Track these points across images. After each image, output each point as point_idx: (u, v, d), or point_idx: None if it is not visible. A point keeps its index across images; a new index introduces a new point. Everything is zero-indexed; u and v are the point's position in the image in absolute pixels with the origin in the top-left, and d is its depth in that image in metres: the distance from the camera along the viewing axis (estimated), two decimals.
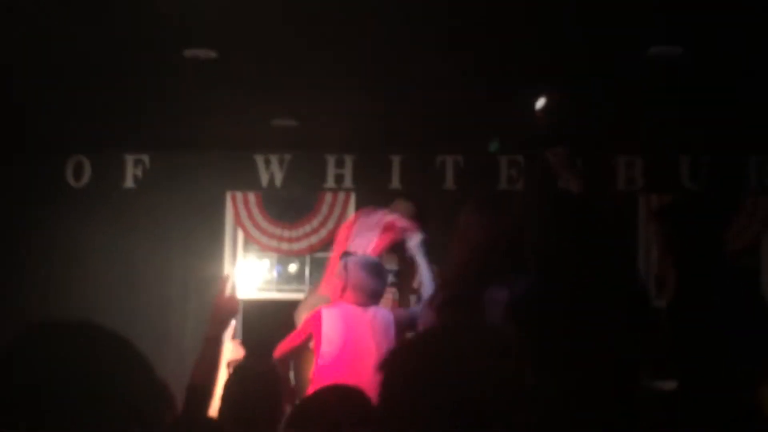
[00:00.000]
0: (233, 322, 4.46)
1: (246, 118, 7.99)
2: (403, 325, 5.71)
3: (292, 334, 5.81)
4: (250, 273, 9.14)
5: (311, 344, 5.66)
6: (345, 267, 5.74)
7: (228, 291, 4.15)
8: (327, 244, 9.02)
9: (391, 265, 6.45)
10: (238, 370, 4.56)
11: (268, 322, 8.52)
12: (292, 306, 6.50)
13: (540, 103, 7.08)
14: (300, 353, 5.80)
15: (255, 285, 9.15)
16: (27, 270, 9.08)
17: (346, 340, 5.59)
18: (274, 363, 5.39)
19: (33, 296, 8.93)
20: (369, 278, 5.71)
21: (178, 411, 3.82)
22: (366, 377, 5.52)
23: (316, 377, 5.52)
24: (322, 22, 5.80)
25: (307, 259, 9.23)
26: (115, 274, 9.01)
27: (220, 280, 4.35)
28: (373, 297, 5.74)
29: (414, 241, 6.08)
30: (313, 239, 9.00)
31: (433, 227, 6.66)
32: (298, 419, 3.32)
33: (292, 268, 9.31)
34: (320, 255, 9.17)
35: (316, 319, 5.66)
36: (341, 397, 3.42)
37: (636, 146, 8.52)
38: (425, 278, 5.97)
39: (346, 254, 5.89)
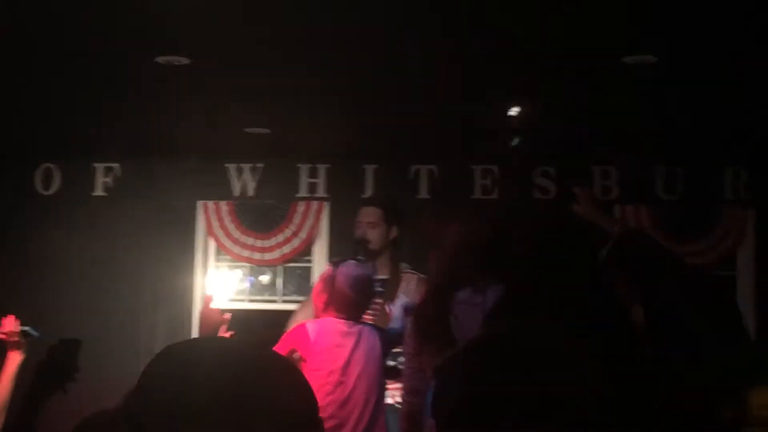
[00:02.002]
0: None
1: (219, 125, 7.92)
2: (389, 343, 5.67)
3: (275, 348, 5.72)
4: (222, 283, 9.06)
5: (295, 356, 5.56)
6: (332, 278, 5.64)
7: (212, 304, 4.40)
8: (300, 254, 8.98)
9: (381, 274, 6.41)
10: None
11: (240, 334, 8.42)
12: (264, 316, 6.44)
13: (514, 111, 7.08)
14: None
15: (227, 295, 9.07)
16: (2, 274, 8.99)
17: (334, 356, 5.52)
18: None
19: (6, 301, 8.82)
20: (356, 295, 5.62)
21: None
22: (353, 395, 5.50)
23: None
24: (295, 31, 5.75)
25: (280, 270, 9.17)
26: (86, 282, 8.93)
27: (205, 297, 4.53)
28: (359, 312, 5.67)
29: (397, 305, 5.97)
30: (286, 249, 8.94)
31: (408, 236, 6.64)
32: None
33: (264, 278, 9.24)
34: (292, 265, 9.12)
35: (302, 333, 5.58)
36: None
37: (612, 156, 8.51)
38: (395, 322, 5.88)
39: (336, 262, 5.80)
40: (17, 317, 5.03)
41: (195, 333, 8.40)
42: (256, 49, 6.06)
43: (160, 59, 6.20)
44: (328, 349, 5.52)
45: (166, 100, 7.25)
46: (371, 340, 5.59)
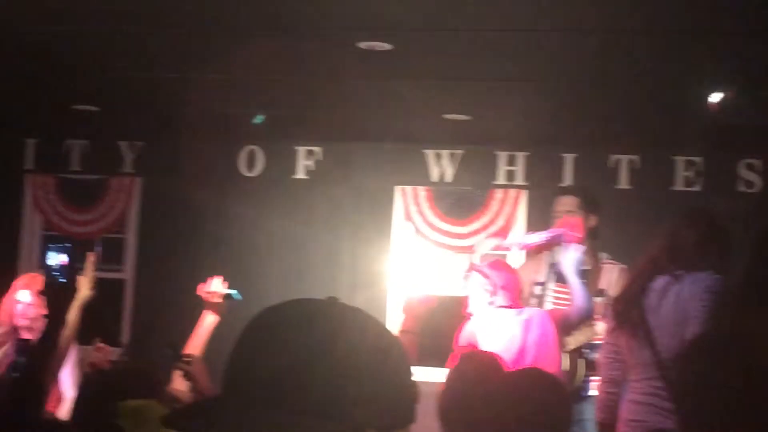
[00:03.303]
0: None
1: (418, 111, 7.96)
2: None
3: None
4: (418, 268, 9.10)
5: None
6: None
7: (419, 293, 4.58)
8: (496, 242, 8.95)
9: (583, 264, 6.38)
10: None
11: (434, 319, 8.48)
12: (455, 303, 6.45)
13: (715, 98, 6.88)
14: None
15: (420, 280, 9.11)
16: (200, 255, 9.24)
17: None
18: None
19: (204, 275, 9.09)
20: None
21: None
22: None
23: None
24: (499, 18, 5.73)
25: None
26: (284, 263, 9.10)
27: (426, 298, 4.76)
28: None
29: (568, 256, 5.97)
30: (482, 236, 8.91)
31: (607, 226, 6.55)
32: None
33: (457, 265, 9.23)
34: (490, 252, 9.09)
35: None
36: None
37: None
38: (576, 292, 5.90)
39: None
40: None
41: (391, 316, 8.47)
42: (457, 35, 6.06)
43: (363, 44, 6.26)
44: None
45: (367, 86, 7.32)
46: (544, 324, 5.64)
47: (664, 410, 4.84)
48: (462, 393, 3.64)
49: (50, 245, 4.09)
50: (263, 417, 1.44)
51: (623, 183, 8.73)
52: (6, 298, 6.01)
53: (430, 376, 5.70)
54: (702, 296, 4.82)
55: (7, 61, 7.00)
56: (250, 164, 9.39)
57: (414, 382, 1.57)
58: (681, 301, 4.86)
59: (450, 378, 4.03)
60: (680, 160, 8.62)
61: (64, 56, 6.87)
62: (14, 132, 9.47)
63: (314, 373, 1.45)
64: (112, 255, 9.60)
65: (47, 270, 4.08)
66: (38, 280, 6.11)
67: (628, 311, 4.98)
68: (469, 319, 5.86)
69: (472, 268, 5.92)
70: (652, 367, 4.94)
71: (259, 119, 8.47)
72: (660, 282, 4.90)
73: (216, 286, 5.02)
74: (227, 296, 5.01)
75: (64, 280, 3.98)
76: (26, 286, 5.98)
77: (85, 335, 5.65)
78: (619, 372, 5.12)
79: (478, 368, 3.86)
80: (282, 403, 1.44)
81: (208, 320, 4.92)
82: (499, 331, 5.61)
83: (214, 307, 4.96)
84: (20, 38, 6.43)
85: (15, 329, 5.97)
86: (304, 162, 9.33)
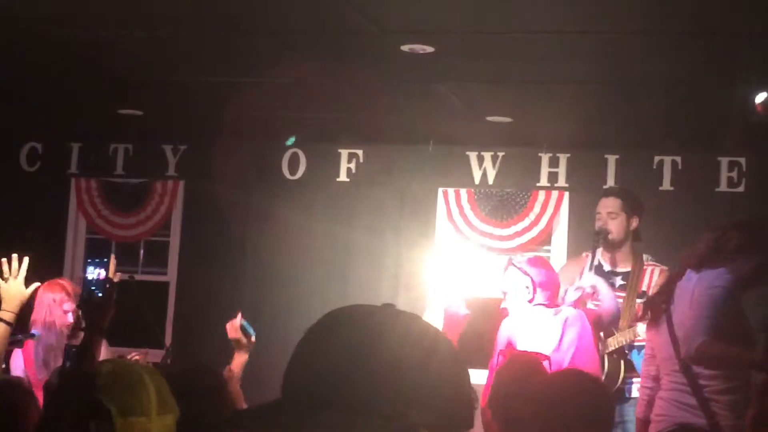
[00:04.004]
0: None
1: (460, 113, 7.96)
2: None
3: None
4: (461, 270, 9.09)
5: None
6: None
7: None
8: (538, 244, 8.94)
9: (622, 266, 6.38)
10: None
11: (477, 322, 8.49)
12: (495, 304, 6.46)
13: (760, 98, 6.84)
14: None
15: (463, 283, 9.10)
16: (243, 258, 9.29)
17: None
18: None
19: (249, 282, 9.15)
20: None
21: None
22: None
23: None
24: (541, 20, 5.72)
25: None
26: (326, 265, 9.12)
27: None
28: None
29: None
30: (525, 238, 8.89)
31: (649, 227, 6.53)
32: None
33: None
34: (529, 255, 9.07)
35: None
36: None
37: None
38: (605, 294, 5.99)
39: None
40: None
41: (432, 318, 8.46)
42: (499, 37, 6.06)
43: (405, 47, 6.27)
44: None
45: (409, 88, 7.33)
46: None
47: (686, 405, 4.89)
48: (505, 393, 3.66)
49: (89, 260, 4.14)
50: (320, 417, 1.47)
51: (666, 184, 8.68)
52: (50, 305, 6.12)
53: (473, 378, 5.71)
54: (709, 291, 4.91)
55: (53, 66, 7.07)
56: (293, 167, 9.42)
57: (470, 386, 1.60)
58: (695, 297, 4.96)
59: (494, 378, 4.06)
60: (724, 160, 8.56)
61: (108, 61, 6.93)
62: (60, 136, 9.56)
63: (368, 373, 1.48)
64: (155, 258, 9.68)
65: (87, 284, 4.13)
66: (71, 287, 6.25)
67: (656, 307, 5.09)
68: (506, 315, 5.86)
69: (511, 264, 5.91)
70: (675, 362, 4.99)
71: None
72: (685, 279, 5.04)
73: (237, 320, 4.92)
74: (242, 329, 4.90)
75: (101, 294, 4.02)
76: (67, 295, 6.12)
77: (130, 338, 5.71)
78: (653, 368, 5.18)
79: (522, 369, 3.88)
80: (338, 404, 1.48)
81: (236, 360, 4.84)
82: (536, 330, 5.61)
83: (239, 345, 4.87)
84: (65, 44, 6.50)
85: (62, 335, 6.07)
86: (346, 165, 9.35)
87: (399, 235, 9.05)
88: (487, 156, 9.09)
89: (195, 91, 7.68)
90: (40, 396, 4.24)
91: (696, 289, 4.98)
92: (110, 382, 2.53)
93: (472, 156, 9.12)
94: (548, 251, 8.99)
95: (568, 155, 8.92)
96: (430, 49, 6.29)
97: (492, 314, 6.41)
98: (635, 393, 5.83)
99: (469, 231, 9.02)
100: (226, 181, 9.22)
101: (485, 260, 9.14)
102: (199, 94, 7.77)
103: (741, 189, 8.50)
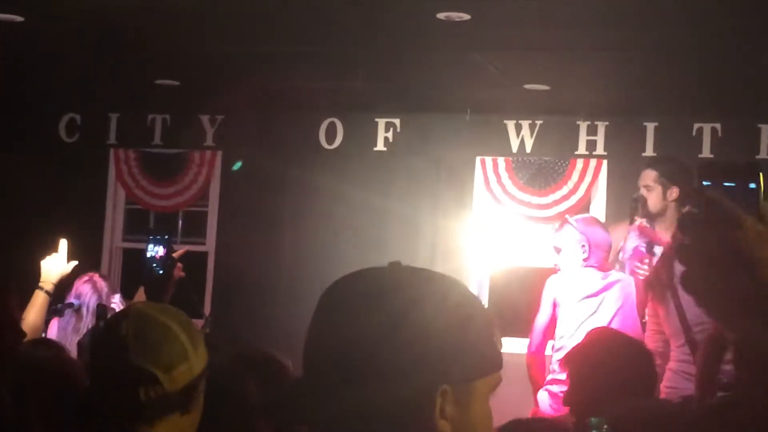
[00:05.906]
0: None
1: (497, 82, 7.92)
2: None
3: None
4: (499, 239, 9.09)
5: None
6: None
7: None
8: (576, 212, 8.90)
9: (664, 237, 6.35)
10: None
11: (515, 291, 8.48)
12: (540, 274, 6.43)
13: None
14: None
15: (501, 252, 9.09)
16: (280, 227, 9.31)
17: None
18: None
19: (286, 252, 9.19)
20: None
21: None
22: None
23: None
24: None
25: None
26: (364, 233, 9.12)
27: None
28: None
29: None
30: (563, 206, 8.86)
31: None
32: None
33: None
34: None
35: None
36: None
37: None
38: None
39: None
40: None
41: (471, 287, 8.46)
42: (536, 4, 6.01)
43: (441, 15, 6.24)
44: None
45: (445, 56, 7.30)
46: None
47: (692, 376, 4.86)
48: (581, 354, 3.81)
49: (150, 237, 4.15)
50: (339, 394, 1.47)
51: (706, 151, 8.62)
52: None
53: (510, 347, 5.70)
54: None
55: (91, 37, 7.09)
56: (330, 137, 9.42)
57: (492, 322, 1.60)
58: None
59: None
60: (764, 127, 8.49)
61: (146, 31, 6.94)
62: (98, 107, 9.60)
63: (406, 339, 1.49)
64: (194, 228, 9.72)
65: (147, 261, 4.15)
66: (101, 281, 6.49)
67: (660, 275, 5.03)
68: (556, 273, 5.83)
69: (567, 222, 5.88)
70: (682, 333, 4.96)
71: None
72: None
73: None
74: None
75: (162, 272, 4.05)
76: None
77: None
78: (661, 343, 5.15)
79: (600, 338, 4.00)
80: (355, 377, 1.48)
81: None
82: (583, 292, 5.59)
83: None
84: (103, 14, 6.51)
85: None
86: (383, 134, 9.34)
87: (436, 204, 9.04)
88: (525, 124, 9.05)
89: (232, 61, 7.69)
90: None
91: None
92: (141, 342, 2.51)
93: (510, 124, 9.08)
94: None
95: (607, 123, 8.87)
96: (466, 17, 6.26)
97: (530, 284, 6.40)
98: None
99: (507, 200, 8.99)
100: (263, 151, 9.24)
101: (523, 229, 9.12)
102: (236, 64, 7.77)
103: None
